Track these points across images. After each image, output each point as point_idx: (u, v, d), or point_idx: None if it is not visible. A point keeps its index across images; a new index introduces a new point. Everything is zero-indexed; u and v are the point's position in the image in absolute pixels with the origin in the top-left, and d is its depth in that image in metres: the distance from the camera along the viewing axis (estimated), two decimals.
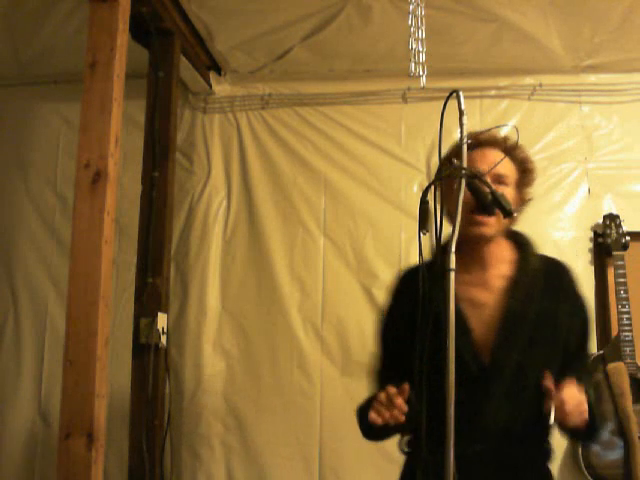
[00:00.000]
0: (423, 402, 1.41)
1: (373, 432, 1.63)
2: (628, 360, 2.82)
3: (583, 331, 1.69)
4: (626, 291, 2.87)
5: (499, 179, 1.62)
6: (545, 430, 1.62)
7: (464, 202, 1.39)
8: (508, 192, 1.62)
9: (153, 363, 2.69)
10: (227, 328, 3.25)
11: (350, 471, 3.05)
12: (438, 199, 1.40)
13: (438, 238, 1.40)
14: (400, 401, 1.47)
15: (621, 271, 2.91)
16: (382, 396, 1.48)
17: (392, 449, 3.06)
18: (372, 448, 3.05)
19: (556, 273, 1.69)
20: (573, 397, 1.46)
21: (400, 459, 3.09)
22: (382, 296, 3.13)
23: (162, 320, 2.72)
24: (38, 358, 3.27)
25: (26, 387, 3.26)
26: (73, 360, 1.96)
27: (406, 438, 1.73)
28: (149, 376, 2.67)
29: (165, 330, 2.74)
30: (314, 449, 3.09)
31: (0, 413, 3.25)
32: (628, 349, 2.83)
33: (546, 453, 1.66)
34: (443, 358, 1.44)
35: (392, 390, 1.48)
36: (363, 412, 1.58)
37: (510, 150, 1.66)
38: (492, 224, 1.60)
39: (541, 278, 1.64)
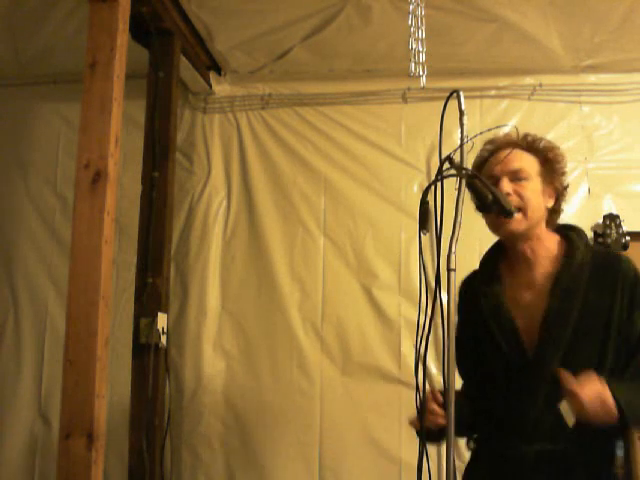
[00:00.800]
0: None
1: (429, 437, 1.57)
2: None
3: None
4: None
5: (516, 175, 1.60)
6: (606, 431, 1.52)
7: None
8: (533, 185, 1.60)
9: (153, 363, 2.69)
10: (227, 328, 3.25)
11: (350, 471, 3.05)
12: (438, 199, 1.40)
13: (438, 238, 1.39)
14: (433, 406, 1.52)
15: None
16: (422, 406, 1.50)
17: (392, 449, 3.07)
18: (372, 448, 3.06)
19: (607, 268, 1.59)
20: (590, 388, 1.40)
21: (400, 459, 3.10)
22: (382, 296, 3.16)
23: (162, 320, 2.72)
24: (38, 358, 3.27)
25: (26, 387, 3.26)
26: (73, 360, 1.96)
27: (475, 435, 1.73)
28: (149, 376, 2.67)
29: (165, 330, 2.74)
30: (314, 449, 3.09)
31: (0, 413, 3.25)
32: None
33: (607, 457, 1.58)
34: (493, 358, 1.48)
35: (427, 399, 1.52)
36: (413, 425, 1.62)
37: (527, 146, 1.64)
38: (519, 219, 1.57)
39: (587, 275, 1.58)
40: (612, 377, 1.49)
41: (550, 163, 1.65)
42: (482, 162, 1.68)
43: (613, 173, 3.19)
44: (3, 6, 2.87)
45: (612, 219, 3.04)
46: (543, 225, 1.64)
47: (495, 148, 1.66)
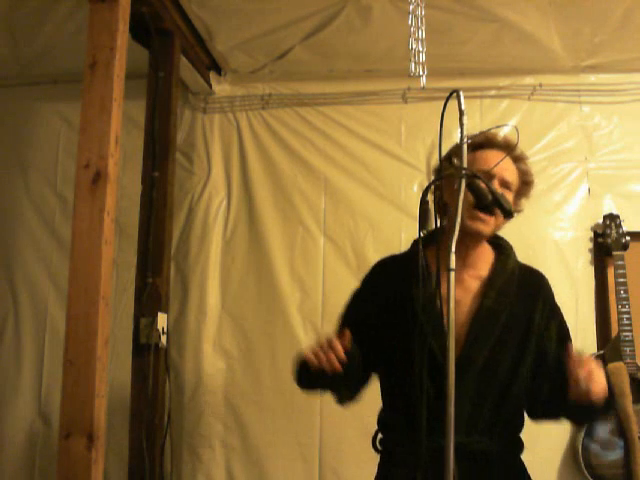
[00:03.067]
0: (423, 403, 1.40)
1: (307, 378, 1.65)
2: (628, 360, 2.82)
3: (560, 339, 1.70)
4: (626, 291, 2.88)
5: (506, 184, 1.66)
6: (515, 425, 1.69)
7: (466, 196, 1.40)
8: (510, 198, 1.67)
9: (153, 363, 2.69)
10: (227, 328, 3.25)
11: (350, 471, 3.05)
12: (437, 199, 1.41)
13: (438, 238, 1.39)
14: (339, 346, 1.49)
15: (621, 271, 2.91)
16: (323, 340, 1.51)
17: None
18: (372, 448, 3.06)
19: (531, 279, 1.74)
20: (598, 367, 1.48)
21: None
22: None
23: (162, 320, 2.72)
24: (38, 358, 3.27)
25: (26, 387, 3.26)
26: (73, 360, 1.96)
27: (379, 437, 1.78)
28: (149, 376, 2.67)
29: (165, 330, 2.74)
30: (314, 449, 3.09)
31: (0, 413, 3.25)
32: (628, 349, 2.83)
33: (517, 446, 1.71)
34: (412, 351, 1.51)
35: (333, 337, 1.51)
36: (301, 358, 1.60)
37: (517, 159, 1.70)
38: (491, 223, 1.64)
39: (516, 283, 1.69)
40: (529, 374, 1.64)
41: (526, 186, 1.73)
42: (473, 148, 1.67)
43: (613, 173, 3.19)
44: (3, 6, 2.87)
45: (612, 219, 3.05)
46: None
47: (479, 144, 1.67)
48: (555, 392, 1.59)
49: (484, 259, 1.72)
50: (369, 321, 1.74)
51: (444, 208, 1.65)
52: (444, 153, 1.56)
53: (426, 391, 1.53)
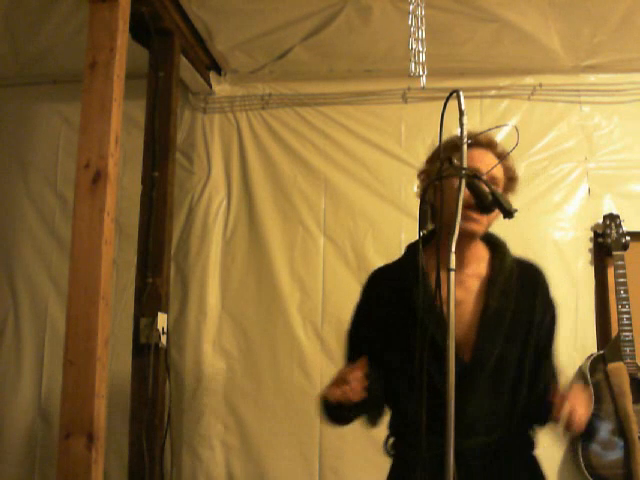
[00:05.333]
0: (423, 406, 1.40)
1: (337, 413, 1.63)
2: (628, 360, 2.82)
3: (551, 330, 1.73)
4: (626, 291, 2.88)
5: (494, 181, 1.66)
6: (527, 421, 1.68)
7: (457, 197, 1.40)
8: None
9: (153, 363, 2.69)
10: (227, 328, 3.25)
11: (350, 471, 3.05)
12: (436, 199, 1.41)
13: (438, 238, 1.40)
14: (358, 374, 1.50)
15: (621, 271, 2.91)
16: (340, 373, 1.51)
17: None
18: (372, 448, 3.05)
19: (529, 274, 1.74)
20: (581, 404, 1.50)
21: None
22: None
23: (162, 320, 2.72)
24: (38, 358, 3.27)
25: (26, 387, 3.26)
26: (73, 360, 1.96)
27: (391, 440, 1.74)
28: (149, 376, 2.67)
29: (165, 330, 2.74)
30: (314, 449, 3.09)
31: (0, 413, 3.25)
32: (628, 349, 2.83)
33: (530, 443, 1.71)
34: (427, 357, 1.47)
35: (349, 367, 1.52)
36: (323, 397, 1.59)
37: (502, 156, 1.70)
38: (484, 222, 1.65)
39: (516, 278, 1.69)
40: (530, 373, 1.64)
41: (511, 182, 1.74)
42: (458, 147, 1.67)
43: (613, 173, 3.19)
44: (3, 6, 2.87)
45: (612, 219, 3.05)
46: None
47: (470, 143, 1.67)
48: (534, 402, 1.63)
49: (480, 257, 1.72)
50: (375, 331, 1.73)
51: (432, 209, 1.66)
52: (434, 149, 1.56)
53: (433, 393, 1.53)
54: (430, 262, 1.67)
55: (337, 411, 1.60)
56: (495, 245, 1.75)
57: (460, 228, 1.58)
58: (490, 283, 1.67)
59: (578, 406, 1.49)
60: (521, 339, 1.66)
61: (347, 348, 1.80)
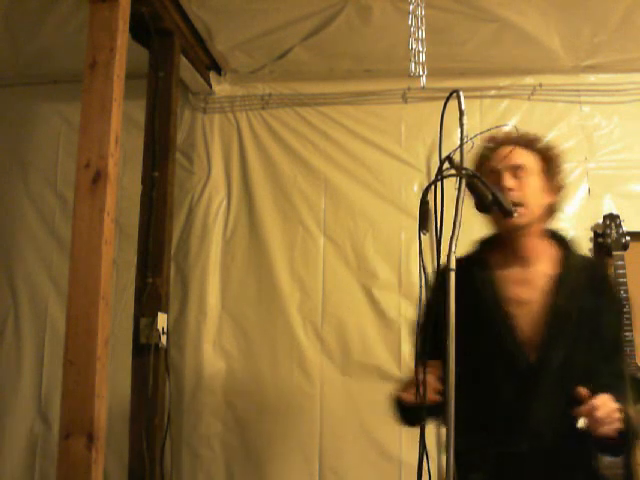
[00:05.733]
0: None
1: (409, 415, 1.60)
2: (628, 360, 2.82)
3: (617, 326, 1.69)
4: (626, 291, 2.87)
5: (518, 170, 1.63)
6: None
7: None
8: (534, 182, 1.64)
9: (153, 363, 2.69)
10: (227, 328, 3.25)
11: (350, 471, 3.05)
12: (438, 199, 1.40)
13: (438, 238, 1.39)
14: (432, 378, 1.46)
15: (621, 271, 2.91)
16: (415, 376, 1.46)
17: (392, 449, 3.07)
18: (372, 448, 3.06)
19: (595, 271, 1.71)
20: (605, 404, 1.44)
21: (400, 459, 3.10)
22: (382, 296, 3.16)
23: (162, 320, 2.72)
24: (38, 358, 3.27)
25: (26, 387, 3.26)
26: (73, 360, 1.96)
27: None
28: (149, 376, 2.67)
29: (165, 330, 2.74)
30: (314, 449, 3.09)
31: (0, 413, 3.24)
32: (628, 349, 2.82)
33: (589, 449, 1.63)
34: (486, 356, 1.49)
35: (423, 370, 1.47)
36: (396, 398, 1.58)
37: (528, 144, 1.68)
38: (521, 213, 1.60)
39: (582, 276, 1.65)
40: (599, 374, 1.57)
41: (550, 161, 1.69)
42: (483, 159, 1.68)
43: (613, 173, 3.19)
44: (3, 6, 2.87)
45: (612, 219, 3.05)
46: (542, 224, 1.68)
47: (496, 145, 1.68)
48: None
49: (546, 255, 1.67)
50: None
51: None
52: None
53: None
54: (498, 260, 1.66)
55: (410, 413, 1.56)
56: (562, 242, 1.71)
57: (503, 225, 1.60)
58: (558, 281, 1.63)
59: (601, 405, 1.43)
60: (588, 340, 1.60)
61: (417, 344, 1.77)
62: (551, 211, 1.69)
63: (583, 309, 1.61)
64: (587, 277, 1.66)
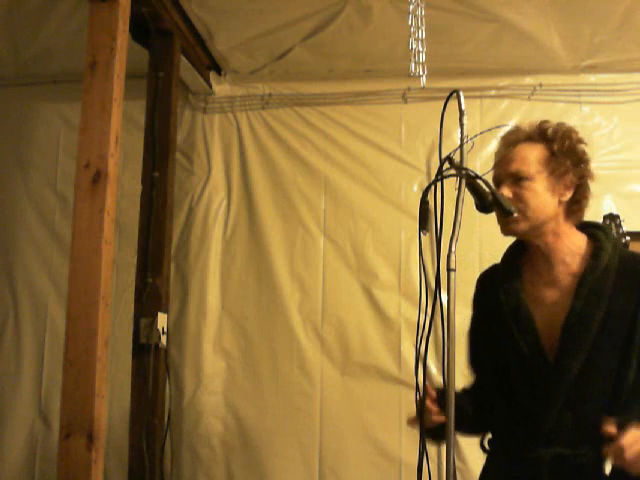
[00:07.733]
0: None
1: (431, 435, 1.56)
2: None
3: None
4: None
5: (515, 176, 1.56)
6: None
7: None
8: (535, 184, 1.54)
9: (153, 363, 2.69)
10: (227, 328, 3.25)
11: (350, 471, 3.05)
12: (438, 199, 1.40)
13: (438, 238, 1.39)
14: (428, 403, 1.49)
15: None
16: (417, 402, 1.48)
17: (392, 449, 3.07)
18: (372, 448, 3.06)
19: (632, 270, 1.55)
20: (637, 442, 1.34)
21: (400, 459, 3.10)
22: (382, 296, 3.16)
23: (162, 320, 2.72)
24: (38, 358, 3.27)
25: (26, 387, 3.26)
26: (73, 360, 1.96)
27: (488, 436, 1.68)
28: (149, 376, 2.67)
29: (165, 330, 2.74)
30: (314, 449, 3.09)
31: (0, 413, 3.25)
32: None
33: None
34: (510, 358, 1.47)
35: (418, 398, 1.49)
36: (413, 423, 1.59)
37: (530, 134, 1.60)
38: (518, 220, 1.53)
39: (612, 275, 1.52)
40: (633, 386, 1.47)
41: (563, 153, 1.56)
42: (508, 145, 1.62)
43: (613, 173, 3.18)
44: (3, 6, 2.87)
45: (612, 219, 3.04)
46: (561, 220, 1.57)
47: (504, 147, 1.62)
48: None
49: (574, 253, 1.57)
50: (481, 336, 1.71)
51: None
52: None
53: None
54: (526, 263, 1.64)
55: (429, 433, 1.53)
56: (595, 238, 1.59)
57: (504, 232, 1.58)
58: (580, 282, 1.53)
59: (631, 444, 1.33)
60: (618, 345, 1.49)
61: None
62: (573, 204, 1.58)
63: (612, 313, 1.49)
64: (621, 277, 1.52)
